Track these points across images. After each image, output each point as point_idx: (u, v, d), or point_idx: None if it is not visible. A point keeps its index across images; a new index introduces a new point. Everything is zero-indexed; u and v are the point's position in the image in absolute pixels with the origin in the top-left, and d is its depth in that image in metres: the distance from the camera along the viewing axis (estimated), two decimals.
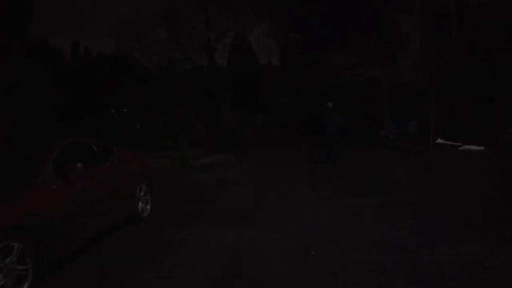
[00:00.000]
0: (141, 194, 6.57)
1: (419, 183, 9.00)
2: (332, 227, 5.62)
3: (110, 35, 26.03)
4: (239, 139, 24.53)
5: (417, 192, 7.92)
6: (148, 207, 6.77)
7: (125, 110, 25.06)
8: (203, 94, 28.40)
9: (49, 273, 4.24)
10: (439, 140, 16.77)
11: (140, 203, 6.47)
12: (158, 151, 20.40)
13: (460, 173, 10.25)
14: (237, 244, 5.11)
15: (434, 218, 5.87)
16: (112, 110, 25.45)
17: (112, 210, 5.59)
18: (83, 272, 4.51)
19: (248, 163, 14.81)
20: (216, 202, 7.86)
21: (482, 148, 14.17)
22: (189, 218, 6.70)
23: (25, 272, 3.67)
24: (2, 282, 3.43)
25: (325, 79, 24.18)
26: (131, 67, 26.89)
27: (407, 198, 7.29)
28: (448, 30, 23.39)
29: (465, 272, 3.78)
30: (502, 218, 5.62)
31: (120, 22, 25.33)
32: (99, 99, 25.16)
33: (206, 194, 8.91)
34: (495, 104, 18.62)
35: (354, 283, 3.70)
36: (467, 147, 14.59)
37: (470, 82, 19.95)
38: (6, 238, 3.50)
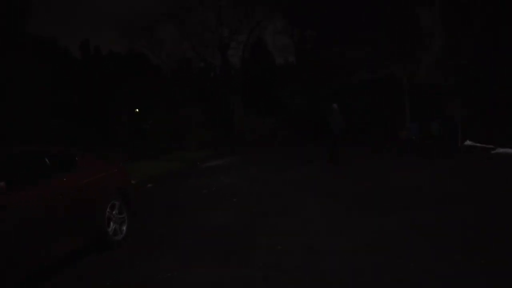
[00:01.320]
0: (114, 212, 5.29)
1: (454, 197, 7.50)
2: (344, 263, 4.26)
3: (121, 34, 24.95)
4: (250, 140, 23.30)
5: (453, 209, 6.44)
6: (124, 228, 5.48)
7: (137, 110, 24.13)
8: (214, 94, 27.26)
9: None
10: (468, 142, 15.04)
11: (112, 223, 5.21)
12: (165, 152, 19.40)
13: (504, 184, 8.69)
14: None
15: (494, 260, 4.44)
16: (122, 114, 24.57)
17: (64, 236, 4.32)
18: None
19: (256, 167, 13.46)
20: (211, 220, 6.54)
21: None
22: (171, 244, 5.40)
23: None
24: None
25: (341, 77, 22.70)
26: (142, 66, 25.94)
27: (442, 220, 5.84)
28: (471, 23, 21.54)
29: None
30: None
31: (131, 21, 24.22)
32: (108, 99, 24.31)
33: (202, 207, 7.59)
34: None
35: None
36: (502, 150, 12.86)
37: (499, 79, 18.16)
38: None
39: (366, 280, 3.73)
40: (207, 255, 4.76)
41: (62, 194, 4.32)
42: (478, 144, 14.72)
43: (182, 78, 26.12)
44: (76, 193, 4.58)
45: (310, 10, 24.39)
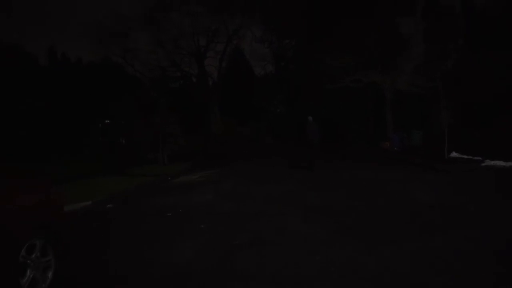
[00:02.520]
0: (33, 256, 3.93)
1: (461, 219, 6.43)
2: None
3: (92, 41, 23.35)
4: (228, 150, 21.99)
5: (467, 235, 5.33)
6: (49, 274, 4.12)
7: (107, 121, 22.52)
8: (191, 104, 25.93)
9: None
10: (454, 154, 14.18)
11: (28, 271, 3.86)
12: (136, 165, 17.85)
13: (505, 202, 7.71)
14: None
15: None
16: (92, 124, 22.88)
17: None
18: None
19: (234, 180, 12.17)
20: (167, 257, 5.18)
21: (511, 164, 11.63)
22: None
23: None
24: None
25: (321, 85, 21.80)
26: (117, 76, 24.45)
27: (460, 248, 4.71)
28: (453, 32, 21.02)
29: None
30: None
31: (103, 27, 22.65)
32: (79, 109, 22.65)
33: (159, 237, 6.20)
34: None
35: None
36: (491, 163, 11.98)
37: (484, 87, 17.56)
38: None
39: None
40: None
41: None
42: (464, 156, 13.91)
43: (157, 87, 24.69)
44: None
45: (287, 19, 23.55)
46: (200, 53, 25.11)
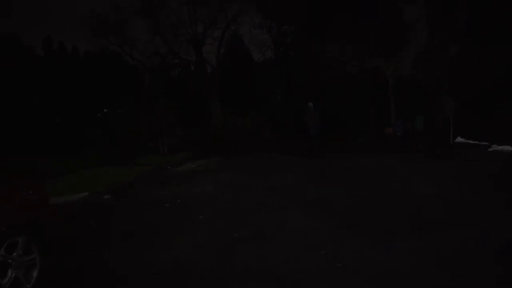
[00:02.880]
0: (14, 254, 3.62)
1: (471, 206, 6.09)
2: None
3: (89, 29, 22.77)
4: (228, 140, 21.61)
5: (479, 226, 5.02)
6: (35, 273, 3.78)
7: (105, 110, 22.18)
8: (190, 92, 25.50)
9: None
10: (459, 139, 13.83)
11: (10, 271, 3.55)
12: (136, 155, 17.55)
13: None
14: None
15: None
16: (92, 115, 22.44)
17: None
18: None
19: (233, 171, 11.85)
20: (165, 249, 4.87)
21: None
22: None
23: None
24: None
25: (323, 72, 21.32)
26: (112, 63, 23.97)
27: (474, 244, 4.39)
28: (456, 19, 20.48)
29: None
30: None
31: (99, 14, 22.07)
32: (77, 99, 22.25)
33: (158, 229, 5.90)
34: None
35: None
36: (499, 147, 11.61)
37: (486, 73, 17.11)
38: None
39: None
40: None
41: None
42: (471, 141, 13.55)
43: (156, 76, 24.21)
44: None
45: (286, 4, 22.90)
46: (198, 40, 24.53)
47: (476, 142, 13.06)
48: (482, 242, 4.35)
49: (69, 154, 17.72)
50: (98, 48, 25.48)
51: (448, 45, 19.56)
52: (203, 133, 24.12)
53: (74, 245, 5.34)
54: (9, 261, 3.50)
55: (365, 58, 20.01)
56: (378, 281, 3.58)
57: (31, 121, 17.86)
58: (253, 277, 3.88)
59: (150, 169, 13.37)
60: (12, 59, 19.63)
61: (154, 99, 22.64)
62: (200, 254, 4.67)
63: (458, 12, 19.92)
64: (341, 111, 21.78)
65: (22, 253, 3.66)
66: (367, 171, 10.03)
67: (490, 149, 11.81)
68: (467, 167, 9.74)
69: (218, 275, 3.99)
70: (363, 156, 13.25)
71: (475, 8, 20.39)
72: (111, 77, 24.75)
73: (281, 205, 6.86)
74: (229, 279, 3.88)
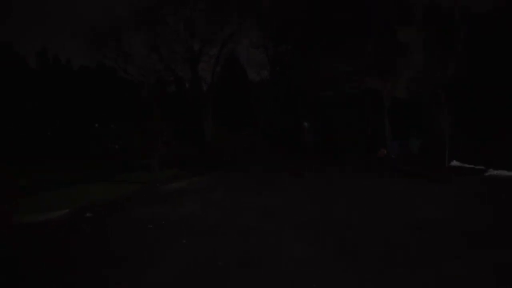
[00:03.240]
0: None
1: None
2: None
3: (83, 44, 22.55)
4: (221, 157, 21.24)
5: (494, 257, 4.66)
6: None
7: (96, 125, 21.76)
8: (184, 109, 25.19)
9: None
10: (455, 162, 13.56)
11: None
12: (127, 171, 17.10)
13: None
14: None
15: None
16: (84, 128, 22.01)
17: None
18: None
19: (224, 189, 11.43)
20: (140, 281, 4.50)
21: None
22: None
23: None
24: None
25: (317, 91, 21.17)
26: (106, 78, 23.72)
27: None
28: (452, 39, 20.55)
29: None
30: None
31: (95, 28, 21.86)
32: (69, 112, 21.83)
33: (134, 256, 5.42)
34: None
35: None
36: (495, 172, 11.34)
37: (484, 95, 17.00)
38: None
39: None
40: None
41: None
42: (466, 165, 13.28)
43: (150, 91, 23.95)
44: None
45: (283, 24, 22.95)
46: (194, 57, 24.44)
47: (472, 166, 12.77)
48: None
49: (57, 167, 17.24)
50: (93, 61, 25.35)
51: (444, 66, 19.57)
52: (196, 150, 23.74)
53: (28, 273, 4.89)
54: None
55: (360, 78, 19.94)
56: None
57: (21, 133, 17.38)
58: None
59: (138, 186, 12.92)
60: (4, 69, 19.28)
61: (147, 114, 22.37)
62: (181, 285, 4.25)
63: (454, 34, 20.04)
64: (336, 130, 21.57)
65: None
66: (362, 194, 9.69)
67: (486, 174, 11.52)
68: (466, 193, 9.43)
69: None
70: (357, 177, 12.92)
71: (471, 28, 20.58)
72: (105, 91, 24.44)
73: (273, 229, 6.47)
74: None
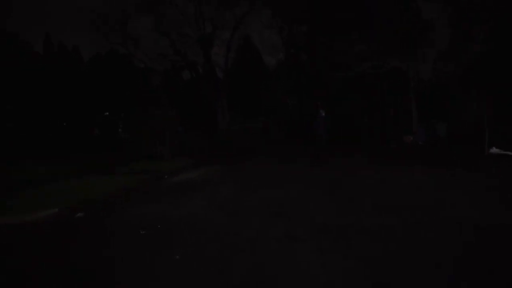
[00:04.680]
0: None
1: None
2: None
3: (89, 30, 21.39)
4: (235, 145, 19.99)
5: None
6: None
7: (106, 113, 20.71)
8: (197, 95, 23.97)
9: None
10: (494, 150, 11.90)
11: None
12: (135, 161, 15.98)
13: None
14: None
15: None
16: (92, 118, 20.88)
17: None
18: None
19: (234, 183, 10.13)
20: None
21: None
22: None
23: None
24: None
25: (335, 74, 19.52)
26: (115, 65, 22.62)
27: None
28: (481, 14, 18.50)
29: None
30: None
31: (104, 14, 20.64)
32: (78, 101, 20.84)
33: (104, 276, 4.24)
34: None
35: None
36: None
37: None
38: None
39: None
40: None
41: None
42: (509, 153, 11.61)
43: (160, 77, 22.75)
44: None
45: (298, 1, 21.20)
46: (206, 41, 23.04)
47: None
48: None
49: (60, 159, 16.26)
50: (99, 46, 24.20)
51: (472, 44, 17.65)
52: (209, 138, 22.58)
53: None
54: None
55: (382, 58, 18.19)
56: None
57: (27, 123, 16.45)
58: None
59: (142, 178, 11.72)
60: (11, 57, 18.32)
61: (158, 101, 21.21)
62: None
63: (482, 8, 18.02)
64: (356, 116, 19.98)
65: None
66: (391, 189, 8.25)
67: None
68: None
69: None
70: (384, 168, 11.44)
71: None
72: (116, 79, 23.36)
73: (287, 234, 5.14)
74: None
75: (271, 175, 11.28)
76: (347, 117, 19.97)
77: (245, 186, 9.51)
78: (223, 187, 9.56)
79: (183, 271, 4.14)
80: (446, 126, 17.97)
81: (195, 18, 21.81)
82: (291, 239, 4.99)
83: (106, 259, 4.75)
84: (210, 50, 23.93)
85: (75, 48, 22.14)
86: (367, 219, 5.76)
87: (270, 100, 24.87)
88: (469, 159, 11.39)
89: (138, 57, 22.81)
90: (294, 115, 23.01)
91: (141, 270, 4.26)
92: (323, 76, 20.23)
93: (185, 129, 20.45)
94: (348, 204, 6.94)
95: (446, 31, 18.45)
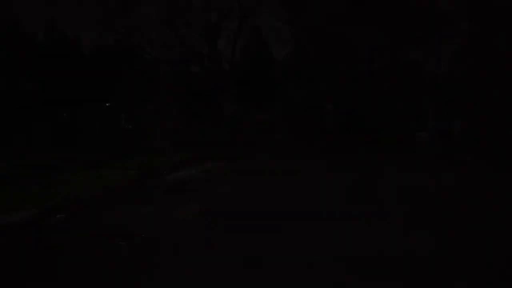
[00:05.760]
0: None
1: None
2: None
3: (95, 18, 20.44)
4: (241, 140, 19.06)
5: None
6: None
7: (107, 104, 19.88)
8: (202, 86, 23.03)
9: None
10: None
11: None
12: (135, 154, 15.11)
13: None
14: None
15: None
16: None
17: None
18: None
19: (241, 182, 9.23)
20: None
21: None
22: None
23: None
24: None
25: (345, 68, 18.40)
26: (118, 56, 21.77)
27: None
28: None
29: None
30: None
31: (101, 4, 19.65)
32: (79, 91, 20.03)
33: None
34: None
35: None
36: None
37: None
38: None
39: None
40: None
41: None
42: None
43: (164, 69, 21.80)
44: None
45: None
46: (212, 31, 22.03)
47: None
48: None
49: (57, 150, 15.42)
50: (103, 37, 23.28)
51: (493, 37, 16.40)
52: (215, 131, 21.67)
53: None
54: None
55: (395, 51, 17.03)
56: None
57: (22, 111, 15.62)
58: None
59: (138, 174, 10.80)
60: (13, 45, 17.55)
61: (162, 94, 20.34)
62: None
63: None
64: (367, 112, 18.87)
65: None
66: (419, 192, 7.24)
67: None
68: None
69: None
70: (400, 169, 10.41)
71: None
72: (119, 70, 22.52)
73: (298, 255, 4.17)
74: None
75: (275, 176, 10.30)
76: (358, 113, 18.93)
77: (249, 186, 8.57)
78: (226, 186, 8.63)
79: None
80: (460, 124, 16.83)
81: (200, 7, 20.82)
82: (303, 262, 4.02)
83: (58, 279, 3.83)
84: (216, 41, 22.91)
85: (76, 38, 21.26)
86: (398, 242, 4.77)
87: (278, 92, 23.87)
88: (491, 157, 10.32)
89: (144, 48, 21.92)
90: (302, 108, 21.99)
91: None
92: (332, 69, 19.13)
93: (191, 122, 19.57)
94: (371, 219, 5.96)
95: (467, 23, 17.21)
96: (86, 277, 3.81)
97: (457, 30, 17.27)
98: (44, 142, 14.76)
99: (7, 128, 14.30)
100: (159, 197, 7.81)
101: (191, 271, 3.86)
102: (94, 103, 18.47)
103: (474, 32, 16.59)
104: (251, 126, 21.54)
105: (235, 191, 8.17)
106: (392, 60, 16.48)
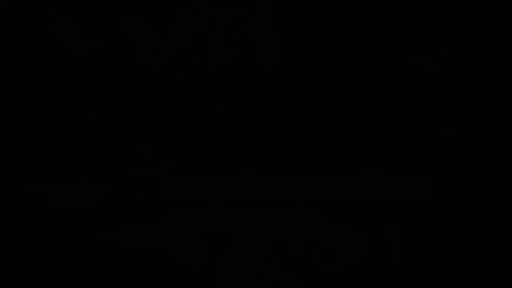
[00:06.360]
0: None
1: None
2: None
3: (74, 30, 19.61)
4: (237, 145, 18.30)
5: None
6: None
7: (91, 113, 18.92)
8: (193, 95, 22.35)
9: None
10: None
11: None
12: (124, 164, 14.19)
13: None
14: None
15: None
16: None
17: None
18: None
19: (225, 200, 8.40)
20: None
21: None
22: None
23: None
24: None
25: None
26: (107, 63, 20.91)
27: None
28: None
29: None
30: None
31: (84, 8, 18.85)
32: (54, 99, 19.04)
33: None
34: None
35: None
36: None
37: None
38: None
39: None
40: None
41: None
42: None
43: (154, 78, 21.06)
44: None
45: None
46: (199, 39, 21.42)
47: None
48: None
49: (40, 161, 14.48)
50: (91, 43, 22.42)
51: None
52: (205, 140, 20.86)
53: None
54: None
55: (393, 53, 16.43)
56: None
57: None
58: None
59: (117, 186, 9.92)
60: None
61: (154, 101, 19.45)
62: None
63: None
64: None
65: None
66: None
67: None
68: None
69: None
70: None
71: None
72: (107, 77, 21.67)
73: None
74: None
75: (266, 188, 9.52)
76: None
77: (232, 207, 7.74)
78: (204, 208, 7.76)
79: None
80: (455, 131, 16.30)
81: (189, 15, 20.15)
82: None
83: None
84: (203, 49, 22.33)
85: (59, 42, 20.23)
86: None
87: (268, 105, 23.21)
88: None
89: (133, 55, 21.10)
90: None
91: None
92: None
93: (183, 131, 18.72)
94: None
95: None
96: None
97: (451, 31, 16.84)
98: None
99: None
100: (135, 215, 6.97)
101: None
102: (78, 112, 17.48)
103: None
104: (247, 134, 20.87)
105: (225, 210, 7.37)
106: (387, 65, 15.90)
